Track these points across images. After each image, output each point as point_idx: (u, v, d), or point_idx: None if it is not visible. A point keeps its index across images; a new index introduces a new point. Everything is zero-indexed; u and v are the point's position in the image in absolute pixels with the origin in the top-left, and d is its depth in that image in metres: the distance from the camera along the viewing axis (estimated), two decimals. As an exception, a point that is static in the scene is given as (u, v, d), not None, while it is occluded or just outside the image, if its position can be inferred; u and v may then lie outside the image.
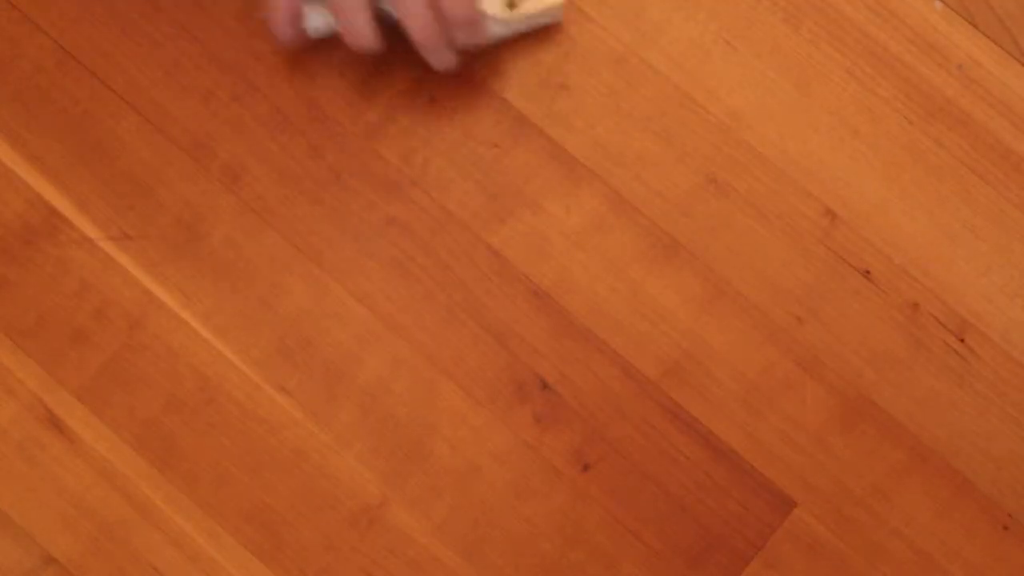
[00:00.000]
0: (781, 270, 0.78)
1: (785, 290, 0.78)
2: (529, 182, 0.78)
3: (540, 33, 0.80)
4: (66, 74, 0.79)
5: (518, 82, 0.80)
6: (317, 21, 0.75)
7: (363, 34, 0.73)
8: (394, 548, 0.75)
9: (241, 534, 0.75)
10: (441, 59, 0.75)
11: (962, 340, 0.78)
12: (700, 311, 0.78)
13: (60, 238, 0.78)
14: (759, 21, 0.80)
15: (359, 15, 0.72)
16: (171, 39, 0.80)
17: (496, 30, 0.76)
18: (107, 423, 0.76)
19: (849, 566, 0.75)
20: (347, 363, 0.77)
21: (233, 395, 0.76)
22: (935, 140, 0.80)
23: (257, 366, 0.77)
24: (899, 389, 0.77)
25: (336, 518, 0.76)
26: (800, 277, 0.78)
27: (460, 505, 0.76)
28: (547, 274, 0.78)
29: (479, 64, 0.80)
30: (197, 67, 0.79)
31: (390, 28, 0.74)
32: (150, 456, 0.76)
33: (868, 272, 0.78)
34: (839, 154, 0.79)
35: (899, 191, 0.79)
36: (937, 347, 0.78)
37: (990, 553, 0.76)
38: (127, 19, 0.80)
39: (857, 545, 0.76)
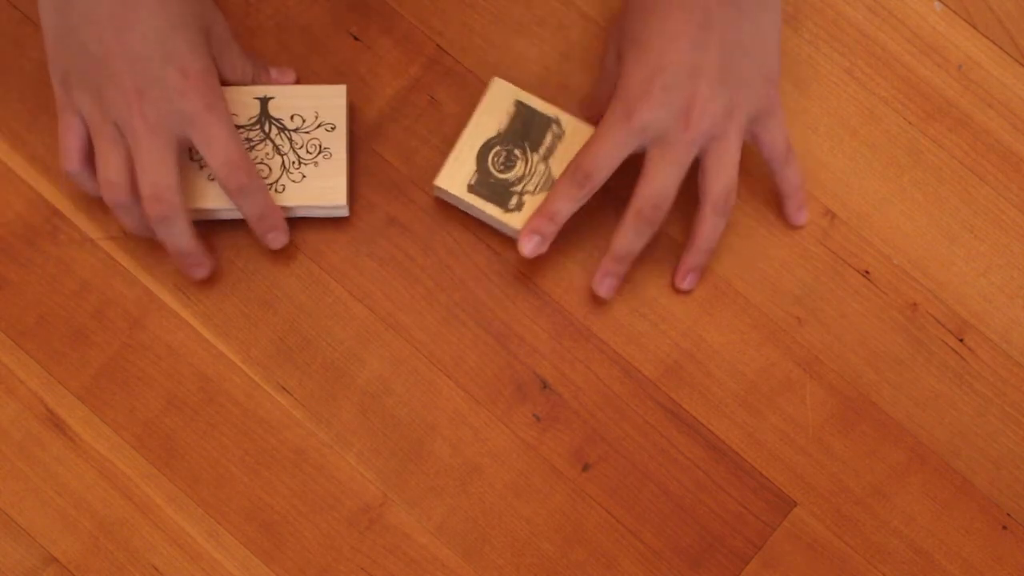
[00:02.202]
0: (781, 270, 0.78)
1: (785, 290, 0.78)
2: (529, 182, 0.79)
3: (538, 33, 0.80)
4: (66, 74, 0.79)
5: (518, 82, 0.79)
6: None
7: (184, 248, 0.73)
8: (394, 548, 0.75)
9: (241, 534, 0.75)
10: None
11: (961, 340, 0.78)
12: (700, 311, 0.78)
13: (61, 238, 0.78)
14: (759, 22, 0.80)
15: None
16: (171, 39, 0.80)
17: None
18: (107, 423, 0.76)
19: (849, 566, 0.76)
20: (347, 363, 0.77)
21: (233, 395, 0.76)
22: (934, 140, 0.80)
23: (257, 366, 0.77)
24: (898, 389, 0.77)
25: (336, 518, 0.76)
26: (800, 277, 0.78)
27: (460, 505, 0.76)
28: (547, 274, 0.78)
29: (479, 65, 0.80)
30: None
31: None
32: (150, 456, 0.76)
33: (867, 272, 0.78)
34: (838, 154, 0.79)
35: (898, 191, 0.79)
36: (936, 347, 0.78)
37: (989, 552, 0.76)
38: (127, 19, 0.80)
39: (857, 545, 0.76)
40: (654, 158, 0.71)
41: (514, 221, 0.75)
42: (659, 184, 0.71)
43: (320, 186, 0.75)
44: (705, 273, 0.78)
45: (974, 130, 0.80)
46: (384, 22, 0.80)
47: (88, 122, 0.71)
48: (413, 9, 0.80)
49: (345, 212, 0.77)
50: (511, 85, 0.76)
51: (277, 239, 0.75)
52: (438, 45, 0.80)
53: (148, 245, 0.78)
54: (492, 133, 0.76)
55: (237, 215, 0.76)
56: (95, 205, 0.78)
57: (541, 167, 0.75)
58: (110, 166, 0.71)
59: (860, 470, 0.76)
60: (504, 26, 0.80)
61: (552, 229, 0.73)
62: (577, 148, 0.74)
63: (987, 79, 0.80)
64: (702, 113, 0.70)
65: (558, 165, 0.75)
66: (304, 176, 0.75)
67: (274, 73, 0.77)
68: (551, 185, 0.75)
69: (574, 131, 0.75)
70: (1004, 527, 0.76)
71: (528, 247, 0.73)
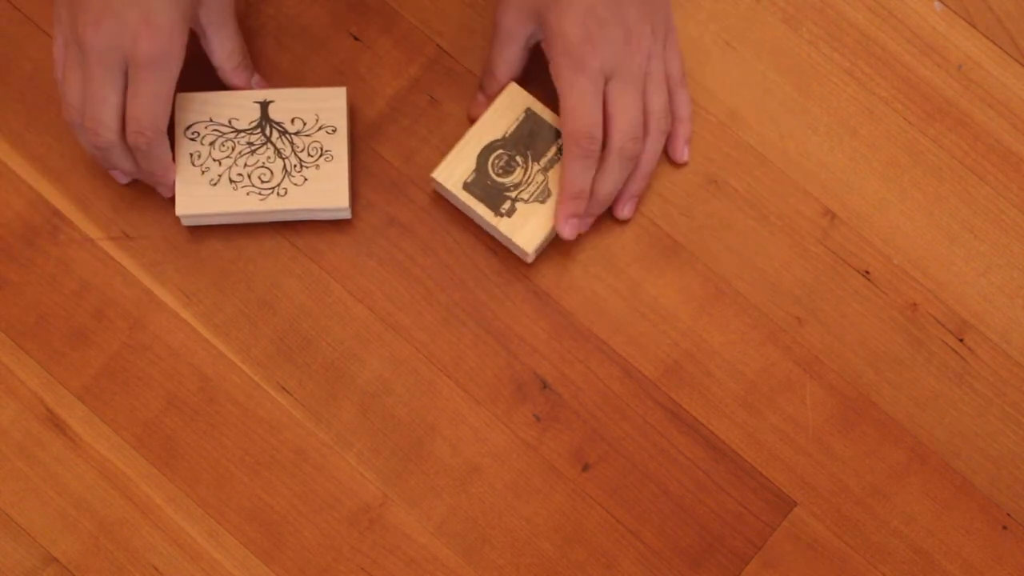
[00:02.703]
0: (781, 270, 0.78)
1: (784, 290, 0.78)
2: (529, 182, 0.78)
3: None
4: (66, 74, 0.79)
5: (517, 82, 0.80)
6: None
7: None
8: (394, 548, 0.75)
9: (241, 534, 0.75)
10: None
11: (961, 340, 0.78)
12: (700, 311, 0.78)
13: (60, 238, 0.78)
14: (759, 21, 0.81)
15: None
16: (171, 39, 0.80)
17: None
18: (107, 423, 0.76)
19: (849, 566, 0.76)
20: (347, 363, 0.77)
21: (233, 395, 0.76)
22: (934, 140, 0.80)
23: (257, 366, 0.77)
24: (898, 389, 0.77)
25: (336, 518, 0.76)
26: (800, 277, 0.78)
27: (460, 505, 0.76)
28: (547, 274, 0.78)
29: (479, 65, 0.80)
30: (196, 68, 0.78)
31: None
32: (150, 456, 0.76)
33: (867, 272, 0.78)
34: (838, 154, 0.79)
35: (898, 191, 0.79)
36: (936, 347, 0.78)
37: (989, 552, 0.76)
38: (127, 19, 0.80)
39: (857, 545, 0.76)
40: (617, 94, 0.73)
41: (503, 226, 0.75)
42: (631, 116, 0.73)
43: (322, 188, 0.75)
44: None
45: (974, 130, 0.80)
46: (384, 22, 0.80)
47: (62, 38, 0.72)
48: (413, 9, 0.80)
49: (347, 214, 0.77)
50: (525, 92, 0.76)
51: (162, 191, 0.76)
52: (438, 45, 0.80)
53: (148, 245, 0.78)
54: (497, 136, 0.76)
55: (243, 220, 0.76)
56: (95, 205, 0.78)
57: (540, 177, 0.75)
58: (68, 85, 0.72)
59: (860, 470, 0.76)
60: (504, 26, 0.80)
61: (583, 205, 0.74)
62: None
63: (987, 79, 0.80)
64: (640, 36, 0.73)
65: (557, 179, 0.75)
66: (306, 179, 0.75)
67: (255, 78, 0.77)
68: (547, 197, 0.75)
69: None
70: (1004, 527, 0.76)
71: (569, 230, 0.74)
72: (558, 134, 0.76)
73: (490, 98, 0.77)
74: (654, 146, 0.76)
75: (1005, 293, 0.78)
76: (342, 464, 0.76)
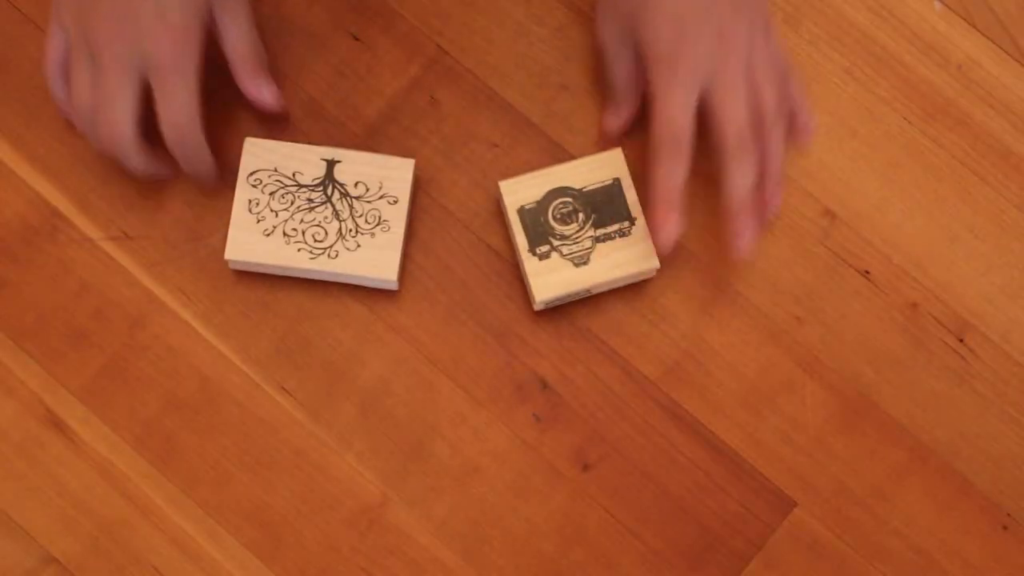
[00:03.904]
0: (781, 270, 0.78)
1: (785, 290, 0.78)
2: (529, 182, 0.78)
3: (538, 33, 0.81)
4: (66, 74, 0.79)
5: (518, 82, 0.80)
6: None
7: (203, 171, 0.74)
8: (394, 548, 0.75)
9: (241, 534, 0.75)
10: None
11: (962, 340, 0.78)
12: (700, 311, 0.78)
13: (60, 238, 0.78)
14: (759, 21, 0.80)
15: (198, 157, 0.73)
16: (171, 39, 0.80)
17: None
18: (107, 423, 0.76)
19: (849, 566, 0.75)
20: (347, 363, 0.77)
21: (233, 395, 0.76)
22: (934, 140, 0.80)
23: (257, 366, 0.77)
24: (899, 389, 0.77)
25: (336, 518, 0.76)
26: (800, 277, 0.78)
27: (460, 505, 0.76)
28: (547, 274, 0.78)
29: (479, 65, 0.80)
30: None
31: None
32: (150, 456, 0.76)
33: (868, 272, 0.78)
34: (838, 155, 0.79)
35: (898, 191, 0.79)
36: (937, 347, 0.78)
37: (989, 553, 0.76)
38: (127, 19, 0.80)
39: (857, 545, 0.76)
40: (718, 99, 0.72)
41: (529, 264, 0.75)
42: (737, 115, 0.72)
43: (373, 258, 0.74)
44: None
45: (974, 130, 0.80)
46: (384, 22, 0.80)
47: (68, 39, 0.71)
48: (413, 9, 0.80)
49: (394, 286, 0.76)
50: (623, 162, 0.76)
51: (205, 188, 0.76)
52: (438, 45, 0.80)
53: (148, 245, 0.78)
54: (575, 185, 0.75)
55: (289, 274, 0.76)
56: (95, 205, 0.78)
57: (587, 243, 0.75)
58: (80, 89, 0.71)
59: (860, 470, 0.76)
60: (504, 26, 0.80)
61: (679, 199, 0.73)
62: (631, 255, 0.75)
63: (987, 79, 0.80)
64: (734, 34, 0.72)
65: (602, 256, 0.75)
66: (359, 246, 0.74)
67: (268, 87, 0.76)
68: (582, 264, 0.74)
69: (638, 239, 0.75)
70: (1004, 527, 0.76)
71: (668, 229, 0.73)
72: (628, 217, 0.75)
73: (620, 116, 0.77)
74: (777, 136, 0.75)
75: (1006, 293, 0.78)
76: (342, 464, 0.76)
